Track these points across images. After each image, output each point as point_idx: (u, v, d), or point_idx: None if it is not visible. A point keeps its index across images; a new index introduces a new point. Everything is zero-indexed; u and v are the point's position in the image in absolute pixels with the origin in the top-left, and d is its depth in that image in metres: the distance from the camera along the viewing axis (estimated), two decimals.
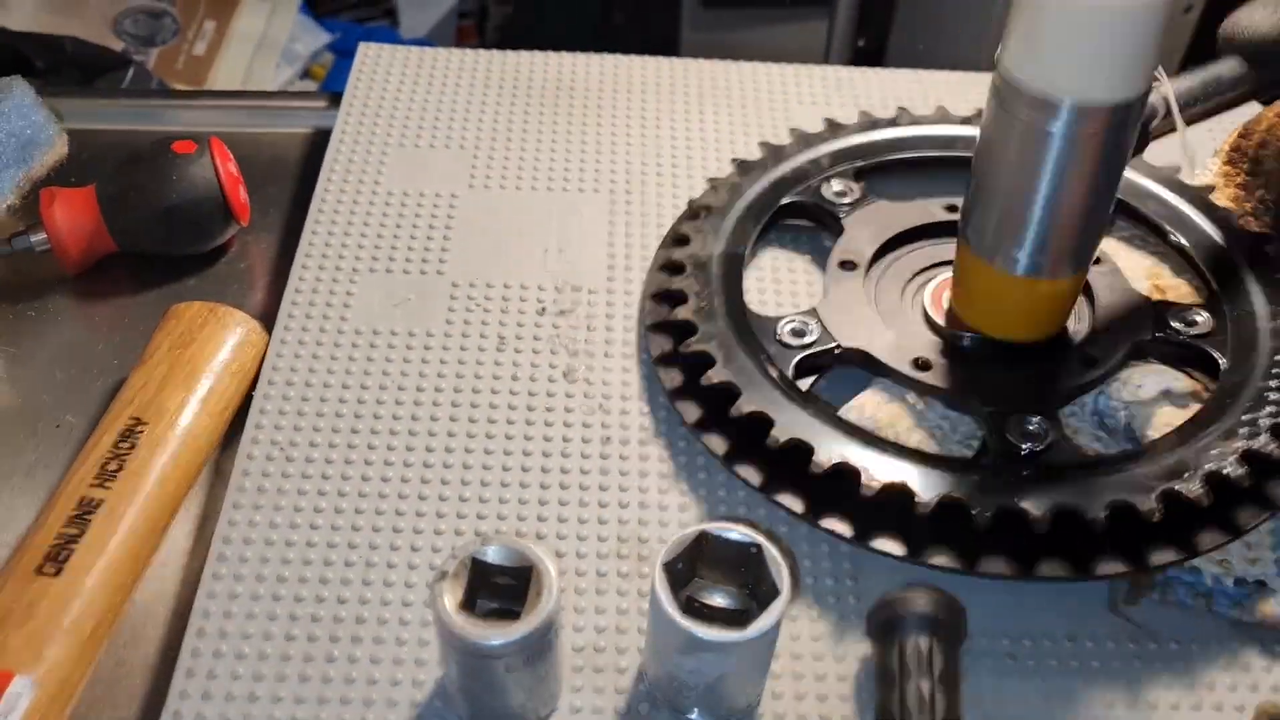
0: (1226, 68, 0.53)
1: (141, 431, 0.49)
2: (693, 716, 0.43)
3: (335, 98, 0.71)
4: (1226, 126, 0.64)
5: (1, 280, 0.60)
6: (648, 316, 0.56)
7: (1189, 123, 0.53)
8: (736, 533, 0.40)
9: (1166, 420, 0.51)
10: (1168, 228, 0.59)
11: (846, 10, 1.20)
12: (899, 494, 0.46)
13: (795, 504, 0.48)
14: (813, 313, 0.54)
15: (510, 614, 0.39)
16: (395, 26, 1.15)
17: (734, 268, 0.57)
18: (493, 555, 0.39)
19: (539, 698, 0.42)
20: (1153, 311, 0.55)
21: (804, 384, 0.53)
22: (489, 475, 0.50)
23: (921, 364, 0.52)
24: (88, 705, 0.44)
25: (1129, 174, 0.62)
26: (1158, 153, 0.63)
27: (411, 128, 0.69)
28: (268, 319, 0.57)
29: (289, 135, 0.72)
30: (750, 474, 0.49)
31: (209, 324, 0.54)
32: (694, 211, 0.61)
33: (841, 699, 0.44)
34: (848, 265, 0.57)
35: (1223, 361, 0.52)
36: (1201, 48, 1.12)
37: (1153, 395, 0.51)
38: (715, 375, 0.51)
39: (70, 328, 0.59)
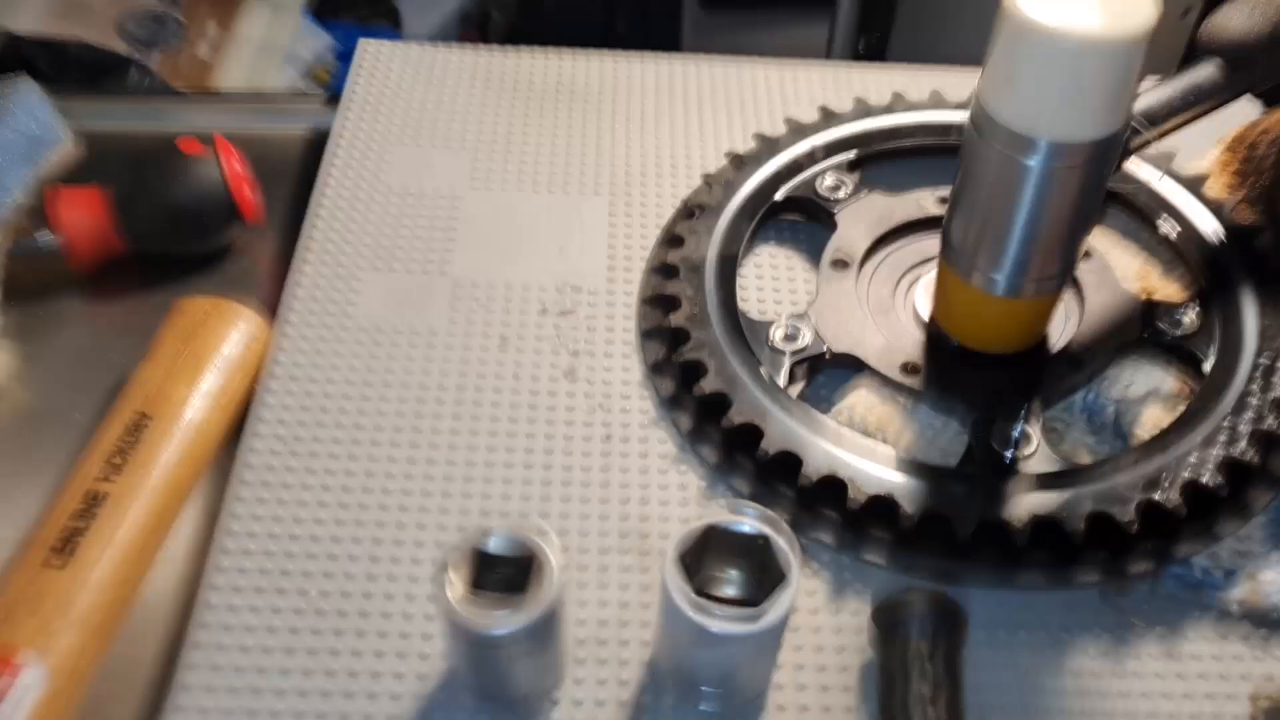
0: (1205, 73, 0.53)
1: (147, 425, 0.50)
2: (703, 706, 0.44)
3: (337, 97, 0.72)
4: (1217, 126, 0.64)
5: (12, 280, 0.60)
6: (642, 322, 0.57)
7: (1167, 133, 0.53)
8: (745, 524, 0.41)
9: (1154, 417, 0.52)
10: (1158, 220, 0.60)
11: (847, 11, 1.20)
12: (885, 505, 0.47)
13: (783, 514, 0.49)
14: (805, 316, 0.55)
15: (513, 602, 0.39)
16: (398, 29, 1.15)
17: (727, 269, 0.57)
18: (495, 544, 0.40)
19: (543, 680, 0.43)
20: (1141, 311, 0.56)
21: (798, 383, 0.54)
22: (491, 471, 0.51)
23: (910, 368, 0.53)
24: (99, 695, 0.45)
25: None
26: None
27: (411, 125, 0.69)
28: (274, 316, 0.57)
29: (292, 134, 0.72)
30: (741, 484, 0.50)
31: (214, 319, 0.55)
32: (689, 210, 0.62)
33: (844, 689, 0.45)
34: (840, 264, 0.58)
35: (1207, 363, 0.53)
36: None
37: (1141, 394, 0.52)
38: (707, 385, 0.52)
39: (80, 326, 0.60)
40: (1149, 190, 0.61)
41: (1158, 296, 0.57)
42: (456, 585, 0.39)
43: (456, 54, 0.75)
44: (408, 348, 0.56)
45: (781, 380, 0.52)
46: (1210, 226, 0.59)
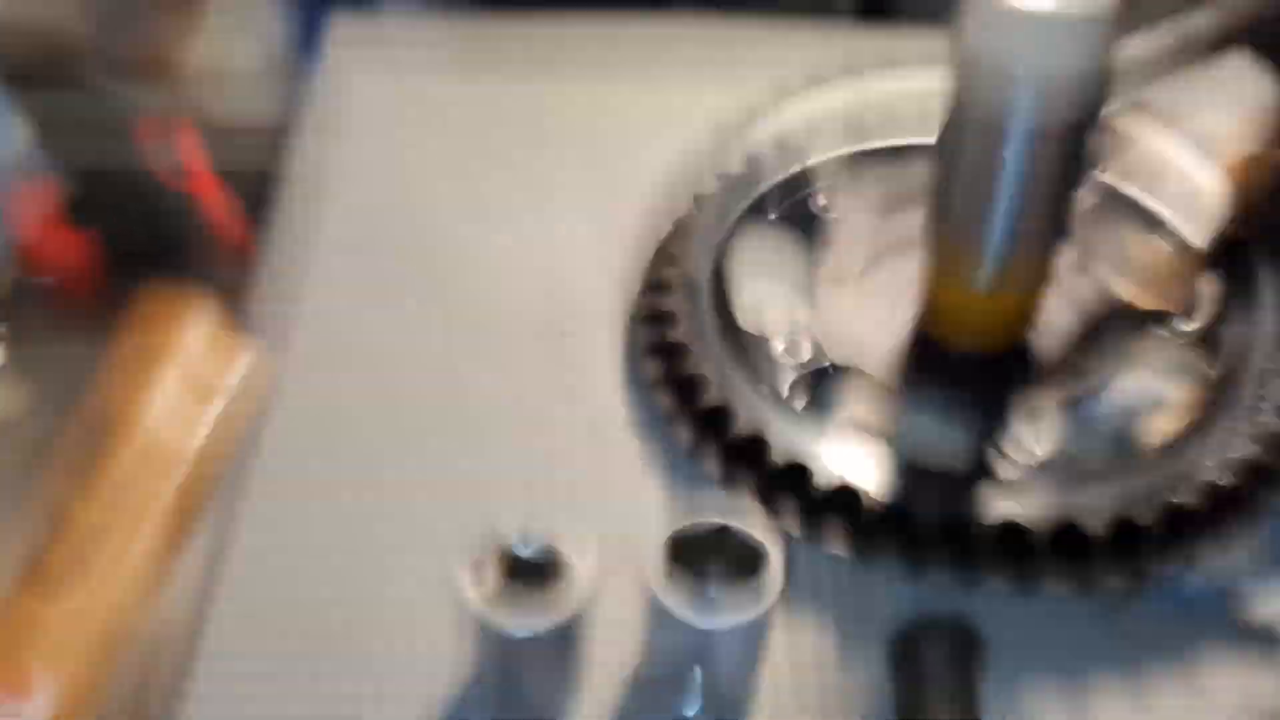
0: (1201, 22, 0.52)
1: (146, 453, 0.50)
2: (690, 712, 0.44)
3: (307, 77, 0.70)
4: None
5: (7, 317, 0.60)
6: (637, 339, 0.56)
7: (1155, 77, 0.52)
8: (753, 535, 0.41)
9: (1155, 427, 0.51)
10: (1163, 219, 0.59)
11: None
12: (899, 513, 0.47)
13: (793, 526, 0.48)
14: (804, 330, 0.54)
15: (538, 603, 0.40)
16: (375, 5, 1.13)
17: (722, 286, 0.56)
18: (525, 546, 0.41)
19: (560, 689, 0.44)
20: (1140, 319, 0.55)
21: (800, 397, 0.52)
22: (489, 489, 0.51)
23: (912, 378, 0.53)
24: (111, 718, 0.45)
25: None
26: None
27: (408, 152, 0.67)
28: (247, 320, 0.57)
29: (260, 115, 0.71)
30: (746, 496, 0.49)
31: (211, 351, 0.54)
32: (680, 228, 0.60)
33: (843, 691, 0.45)
34: (836, 279, 0.57)
35: (1212, 370, 0.52)
36: None
37: (1145, 403, 0.52)
38: (709, 399, 0.51)
39: (76, 360, 0.58)
40: (1144, 203, 0.60)
41: (1158, 307, 0.56)
42: (483, 584, 0.39)
43: (431, 32, 0.72)
44: (411, 371, 0.55)
45: (784, 393, 0.52)
46: (1204, 239, 0.58)
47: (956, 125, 0.46)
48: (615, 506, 0.50)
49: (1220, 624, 0.47)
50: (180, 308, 0.54)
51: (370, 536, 0.49)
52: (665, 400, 0.53)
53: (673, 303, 0.55)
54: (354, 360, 0.56)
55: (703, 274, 0.56)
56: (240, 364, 0.54)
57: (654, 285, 0.57)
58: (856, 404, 0.52)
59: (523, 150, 0.68)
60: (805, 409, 0.52)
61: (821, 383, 0.53)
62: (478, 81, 0.72)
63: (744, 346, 0.53)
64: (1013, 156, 0.45)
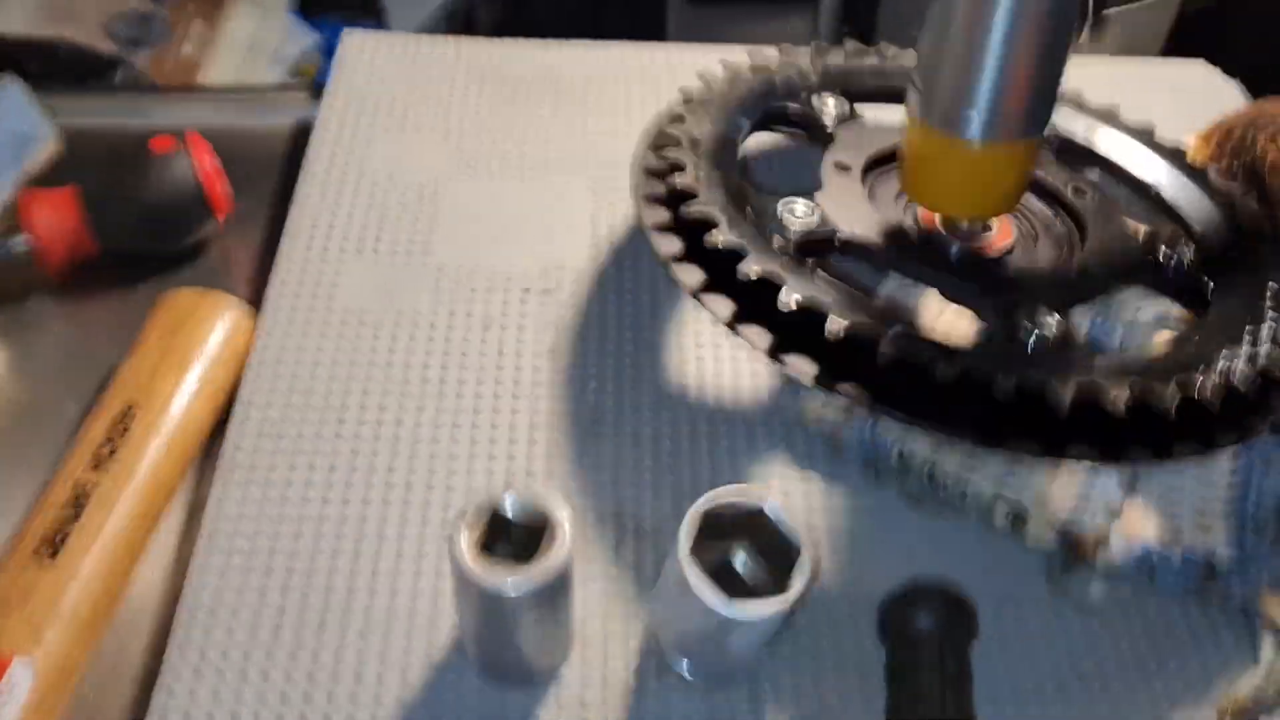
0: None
1: (134, 416, 0.50)
2: (689, 675, 0.43)
3: (320, 91, 0.72)
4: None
5: None
6: (641, 189, 0.53)
7: None
8: (786, 523, 0.39)
9: (1161, 344, 0.50)
10: (1147, 182, 0.60)
11: (831, 2, 1.20)
12: (918, 363, 0.44)
13: (806, 368, 0.45)
14: (812, 198, 0.52)
15: (526, 561, 0.39)
16: (383, 26, 1.16)
17: (729, 149, 0.54)
18: (510, 505, 0.40)
19: (552, 647, 0.43)
20: (1143, 240, 0.55)
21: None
22: (476, 450, 0.51)
23: (924, 260, 0.51)
24: (91, 687, 0.45)
25: (1108, 132, 0.62)
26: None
27: (396, 114, 0.68)
28: (256, 309, 0.57)
29: (275, 128, 0.72)
30: (758, 337, 0.46)
31: (200, 310, 0.54)
32: (686, 97, 0.59)
33: (836, 667, 0.44)
34: (842, 167, 0.55)
35: (1212, 286, 0.52)
36: (1181, 37, 1.12)
37: (1149, 319, 0.51)
38: (720, 238, 0.48)
39: (61, 326, 0.59)
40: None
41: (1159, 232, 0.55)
42: (469, 541, 0.38)
43: (440, 45, 0.74)
44: (392, 330, 0.56)
45: (792, 252, 0.50)
46: (1197, 189, 0.59)
47: None
48: (611, 472, 0.50)
49: (1186, 595, 0.47)
50: (202, 301, 0.55)
51: (349, 497, 0.49)
52: (672, 244, 0.50)
53: (679, 154, 0.53)
54: (335, 320, 0.56)
55: (709, 135, 0.54)
56: (226, 326, 0.55)
57: (660, 142, 0.55)
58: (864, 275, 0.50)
59: (518, 118, 0.69)
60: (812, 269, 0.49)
61: (827, 251, 0.51)
62: (475, 47, 0.74)
63: (751, 203, 0.51)
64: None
